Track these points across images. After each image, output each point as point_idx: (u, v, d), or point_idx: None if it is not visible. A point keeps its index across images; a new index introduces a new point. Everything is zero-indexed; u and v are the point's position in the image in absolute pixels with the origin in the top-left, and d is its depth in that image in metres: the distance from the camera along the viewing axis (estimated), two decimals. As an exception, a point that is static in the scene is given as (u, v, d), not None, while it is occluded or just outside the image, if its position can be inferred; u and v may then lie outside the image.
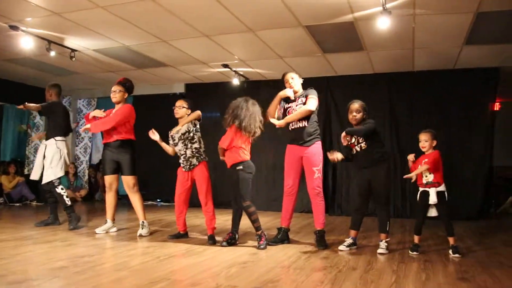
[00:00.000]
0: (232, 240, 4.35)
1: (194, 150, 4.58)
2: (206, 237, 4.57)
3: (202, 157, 4.62)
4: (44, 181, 5.28)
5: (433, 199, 4.02)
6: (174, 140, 4.66)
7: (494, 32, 5.18)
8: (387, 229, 4.16)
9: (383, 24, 4.56)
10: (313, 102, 4.36)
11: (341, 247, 4.21)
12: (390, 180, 4.23)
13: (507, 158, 8.23)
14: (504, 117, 8.05)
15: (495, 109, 7.06)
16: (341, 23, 5.02)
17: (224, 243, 4.28)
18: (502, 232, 5.58)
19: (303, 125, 4.37)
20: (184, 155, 4.59)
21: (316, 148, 4.40)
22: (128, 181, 4.93)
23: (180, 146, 4.61)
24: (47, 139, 5.35)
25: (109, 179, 5.00)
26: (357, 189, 4.40)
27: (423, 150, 4.17)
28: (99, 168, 9.54)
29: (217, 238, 4.51)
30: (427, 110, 7.04)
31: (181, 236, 4.74)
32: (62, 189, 5.29)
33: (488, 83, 6.74)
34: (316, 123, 4.48)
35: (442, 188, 4.06)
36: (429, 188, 4.06)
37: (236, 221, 4.42)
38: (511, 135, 8.22)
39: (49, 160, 5.24)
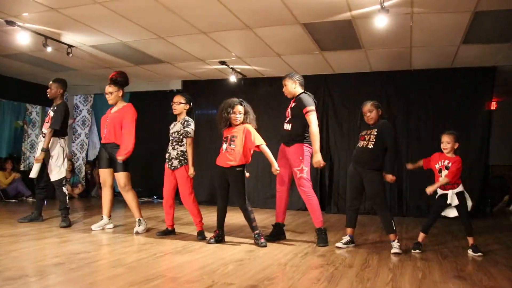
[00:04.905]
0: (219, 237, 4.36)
1: (179, 152, 4.57)
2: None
3: (185, 161, 4.58)
4: (54, 179, 5.23)
5: (454, 201, 4.03)
6: (170, 135, 4.70)
7: (492, 31, 5.18)
8: (394, 228, 4.12)
9: (381, 22, 4.55)
10: (314, 120, 4.36)
11: (338, 244, 4.22)
12: (383, 183, 4.22)
13: (503, 157, 8.26)
14: (500, 116, 8.09)
15: (491, 108, 7.08)
16: (339, 21, 5.02)
17: (212, 240, 4.28)
18: (497, 231, 5.61)
19: (288, 128, 4.48)
20: (168, 154, 4.61)
21: (295, 148, 4.42)
22: (119, 178, 4.87)
23: (170, 143, 4.64)
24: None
25: (103, 173, 4.98)
26: (349, 184, 4.40)
27: (445, 151, 4.14)
28: (96, 164, 9.52)
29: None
30: (424, 108, 7.06)
31: (169, 232, 4.74)
32: (66, 189, 5.35)
33: (485, 82, 6.76)
34: (303, 128, 4.43)
35: (460, 188, 4.07)
36: (448, 190, 4.06)
37: (221, 220, 4.39)
38: (507, 134, 8.25)
39: (55, 158, 5.23)
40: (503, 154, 8.23)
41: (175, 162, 4.57)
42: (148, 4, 4.65)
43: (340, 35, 5.54)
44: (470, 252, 4.04)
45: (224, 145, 4.29)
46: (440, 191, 4.16)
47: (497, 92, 7.36)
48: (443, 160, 4.11)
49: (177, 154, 4.57)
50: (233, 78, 7.50)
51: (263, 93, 7.83)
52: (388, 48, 6.03)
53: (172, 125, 4.73)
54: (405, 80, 7.15)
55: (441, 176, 4.09)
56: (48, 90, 5.32)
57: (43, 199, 5.51)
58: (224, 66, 7.17)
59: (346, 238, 4.29)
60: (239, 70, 7.48)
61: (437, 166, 4.15)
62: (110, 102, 4.95)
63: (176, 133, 4.60)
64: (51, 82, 5.34)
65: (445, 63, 6.64)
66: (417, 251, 4.05)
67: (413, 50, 6.07)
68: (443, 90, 6.94)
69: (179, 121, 4.65)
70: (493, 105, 7.65)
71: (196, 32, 5.55)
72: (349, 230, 4.33)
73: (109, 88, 4.92)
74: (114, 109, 4.98)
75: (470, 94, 6.80)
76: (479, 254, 3.97)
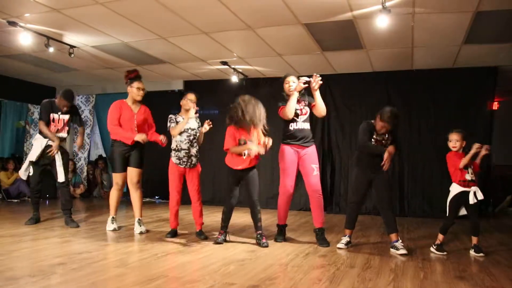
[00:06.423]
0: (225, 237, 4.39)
1: (197, 151, 4.62)
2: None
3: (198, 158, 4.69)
4: (63, 179, 5.18)
5: (480, 196, 4.00)
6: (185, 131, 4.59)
7: (493, 31, 5.18)
8: (397, 228, 4.14)
9: (382, 22, 4.55)
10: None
11: (339, 245, 4.21)
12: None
13: (506, 157, 8.24)
14: (502, 116, 8.07)
15: (493, 108, 7.07)
16: (341, 21, 5.02)
17: (220, 240, 4.28)
18: (499, 231, 5.59)
19: (307, 127, 4.47)
20: (186, 151, 4.52)
21: (314, 148, 4.51)
22: (134, 174, 4.85)
23: (184, 138, 4.54)
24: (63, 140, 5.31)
25: (121, 177, 4.89)
26: (359, 188, 4.30)
27: (454, 149, 4.15)
28: (97, 165, 9.54)
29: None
30: (426, 109, 7.05)
31: (176, 233, 4.73)
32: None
33: (487, 82, 6.74)
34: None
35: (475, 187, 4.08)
36: (470, 187, 4.03)
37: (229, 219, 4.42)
38: (509, 134, 8.23)
39: (60, 158, 5.27)
40: (505, 154, 8.21)
41: (195, 160, 4.60)
42: (149, 5, 4.66)
43: (342, 35, 5.54)
44: (472, 252, 4.04)
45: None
46: (460, 188, 4.08)
47: (499, 92, 7.35)
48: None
49: (196, 152, 4.60)
50: (234, 78, 7.51)
51: (264, 93, 7.81)
52: (389, 48, 6.02)
53: (178, 117, 4.58)
54: (406, 80, 7.13)
55: (468, 172, 4.08)
56: (65, 108, 5.18)
57: (38, 202, 5.39)
58: (226, 67, 7.18)
59: (346, 239, 4.28)
60: (240, 70, 7.49)
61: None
62: (140, 98, 4.87)
63: (194, 131, 4.58)
64: (66, 101, 5.13)
65: (447, 63, 6.63)
66: (445, 253, 4.03)
67: (415, 50, 6.06)
68: (444, 90, 6.93)
69: (189, 117, 4.53)
70: (495, 105, 7.63)
71: (198, 33, 5.55)
72: (349, 231, 4.33)
73: (142, 84, 4.88)
74: (135, 108, 4.88)
75: (472, 94, 6.78)
76: (481, 254, 3.96)
